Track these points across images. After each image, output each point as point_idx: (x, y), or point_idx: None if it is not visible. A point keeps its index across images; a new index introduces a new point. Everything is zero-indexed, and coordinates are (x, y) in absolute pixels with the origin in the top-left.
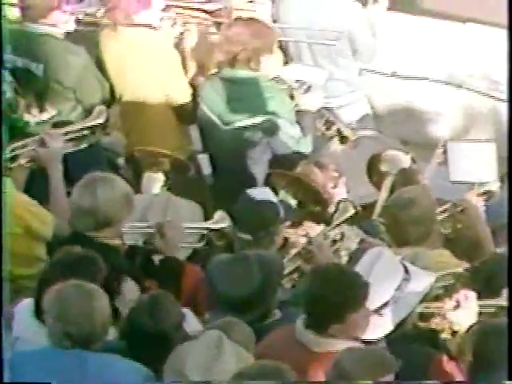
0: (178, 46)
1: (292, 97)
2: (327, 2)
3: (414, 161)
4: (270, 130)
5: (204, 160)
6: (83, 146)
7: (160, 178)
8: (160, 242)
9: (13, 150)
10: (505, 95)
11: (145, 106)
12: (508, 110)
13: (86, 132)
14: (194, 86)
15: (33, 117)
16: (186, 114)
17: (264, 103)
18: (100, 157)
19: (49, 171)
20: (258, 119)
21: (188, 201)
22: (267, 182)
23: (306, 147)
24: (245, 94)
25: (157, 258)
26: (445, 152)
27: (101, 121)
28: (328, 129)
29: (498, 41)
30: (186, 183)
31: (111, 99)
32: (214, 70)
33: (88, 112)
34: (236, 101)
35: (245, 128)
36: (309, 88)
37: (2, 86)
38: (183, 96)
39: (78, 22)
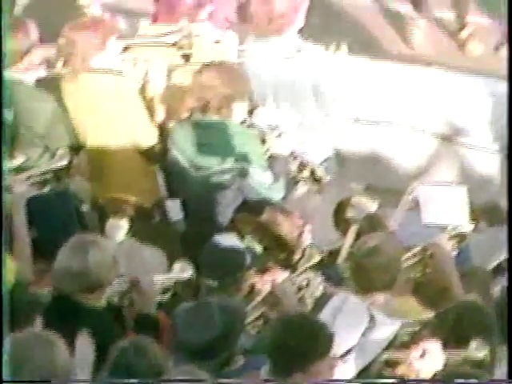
0: (144, 88)
1: (264, 141)
2: (291, 48)
3: (380, 206)
4: (241, 175)
5: (171, 205)
6: (46, 189)
7: (124, 224)
8: (136, 297)
9: None
10: (469, 140)
11: (109, 152)
12: (508, 114)
13: (49, 176)
14: (163, 130)
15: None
16: (153, 157)
17: (235, 149)
18: (66, 203)
19: (12, 216)
20: (229, 165)
21: (152, 248)
22: (232, 227)
23: (277, 193)
24: (216, 140)
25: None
26: (412, 198)
27: (64, 163)
28: (300, 171)
29: (461, 86)
30: (151, 230)
31: (78, 145)
32: (185, 114)
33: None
34: (207, 146)
35: (215, 173)
36: (281, 132)
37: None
38: (149, 138)
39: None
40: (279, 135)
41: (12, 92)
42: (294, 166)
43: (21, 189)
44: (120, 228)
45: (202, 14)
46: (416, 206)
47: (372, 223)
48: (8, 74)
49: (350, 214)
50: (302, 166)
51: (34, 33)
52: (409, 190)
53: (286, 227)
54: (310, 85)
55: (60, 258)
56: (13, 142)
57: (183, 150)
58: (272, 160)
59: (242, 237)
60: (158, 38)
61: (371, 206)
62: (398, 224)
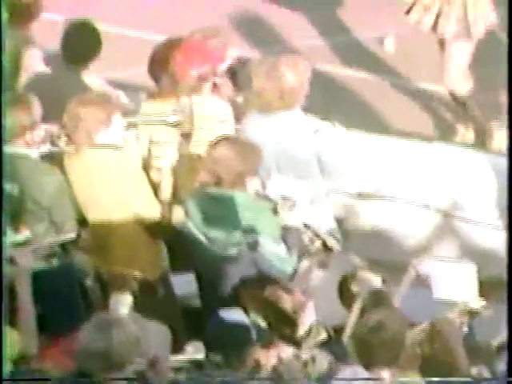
0: (148, 163)
1: (276, 213)
2: (294, 121)
3: (384, 282)
4: (255, 247)
5: (176, 280)
6: (53, 263)
7: (128, 299)
8: (153, 376)
9: None
10: (473, 216)
11: (112, 226)
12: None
13: (56, 249)
14: (172, 203)
15: (8, 239)
16: (156, 231)
17: (248, 221)
18: (71, 276)
19: (17, 289)
20: (243, 237)
21: (157, 323)
22: (238, 302)
23: (291, 266)
24: (228, 212)
25: None
26: (416, 273)
27: (71, 237)
28: (312, 242)
29: (464, 161)
30: (155, 304)
31: (82, 219)
32: (197, 186)
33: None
34: (219, 218)
35: (228, 245)
36: (294, 204)
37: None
38: (152, 213)
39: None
40: (292, 207)
41: (17, 166)
42: (306, 238)
43: (26, 262)
44: (124, 303)
45: (206, 87)
46: (422, 281)
47: (377, 298)
48: (12, 148)
49: (354, 288)
50: (314, 237)
51: (37, 109)
52: (412, 266)
53: (289, 303)
54: (312, 158)
55: (83, 336)
56: (18, 216)
57: (195, 221)
58: (285, 232)
59: (246, 312)
60: (160, 116)
61: (376, 281)
62: (402, 299)
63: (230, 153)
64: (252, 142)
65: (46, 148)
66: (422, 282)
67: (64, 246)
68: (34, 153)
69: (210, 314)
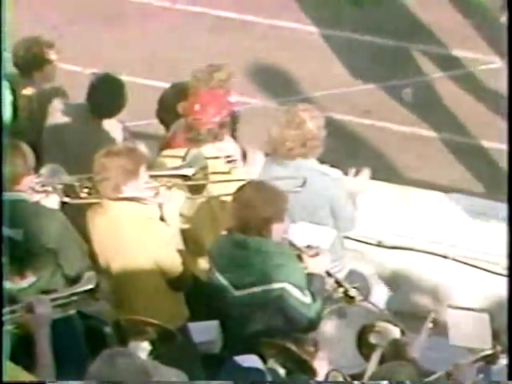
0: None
1: (301, 259)
2: (308, 170)
3: (403, 332)
4: (282, 297)
5: (194, 328)
6: (71, 312)
7: (146, 346)
8: None
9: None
10: (488, 265)
11: (135, 276)
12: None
13: (74, 298)
14: (196, 253)
15: (15, 284)
16: (178, 284)
17: (276, 270)
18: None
19: (35, 337)
20: (270, 286)
21: (175, 370)
22: (256, 350)
23: (316, 313)
24: (256, 260)
25: None
26: (434, 322)
27: (90, 287)
28: (335, 290)
29: (480, 209)
30: (174, 351)
31: (97, 269)
32: (223, 233)
33: (67, 277)
34: (245, 265)
35: (253, 293)
36: (318, 251)
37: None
38: (174, 267)
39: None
40: (316, 254)
41: (18, 212)
42: (328, 285)
43: (45, 310)
44: (142, 350)
45: (224, 133)
46: (439, 330)
47: (395, 349)
48: (12, 194)
49: (373, 339)
50: (336, 285)
51: (30, 156)
52: (431, 315)
53: (307, 352)
54: (326, 207)
55: (91, 368)
56: (23, 262)
57: (222, 269)
58: (309, 279)
59: (265, 359)
60: (175, 170)
61: (395, 332)
62: (419, 350)
63: (257, 198)
64: (277, 187)
65: (59, 198)
66: (439, 331)
67: (83, 296)
68: (34, 197)
69: (226, 361)
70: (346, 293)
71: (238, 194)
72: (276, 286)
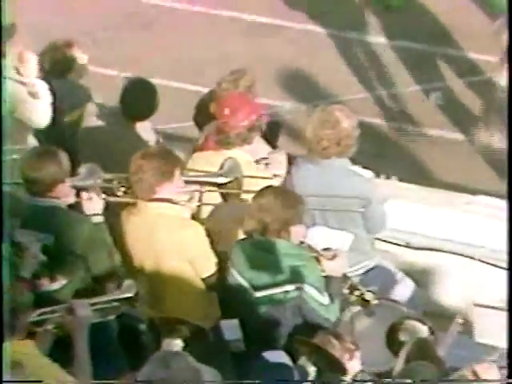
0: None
1: (319, 262)
2: (341, 170)
3: (431, 331)
4: (301, 297)
5: (226, 326)
6: (110, 317)
7: (179, 344)
8: None
9: (40, 315)
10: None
11: (168, 276)
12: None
13: (114, 304)
14: (221, 254)
15: (44, 287)
16: (213, 284)
17: (295, 271)
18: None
19: (74, 339)
20: (289, 286)
21: (208, 367)
22: (288, 347)
23: (334, 314)
24: (274, 260)
25: None
26: (462, 322)
27: (130, 294)
28: (351, 293)
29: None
30: (206, 349)
31: (132, 270)
32: (243, 236)
33: (97, 279)
34: (265, 267)
35: (273, 294)
36: (335, 254)
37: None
38: (208, 267)
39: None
40: (334, 257)
41: (50, 217)
42: (345, 288)
43: (84, 313)
44: (175, 347)
45: (252, 137)
46: (465, 328)
47: (421, 348)
48: (42, 200)
49: (402, 337)
50: (352, 288)
51: (66, 162)
52: (459, 315)
53: (338, 350)
54: (357, 208)
55: (144, 370)
56: (54, 266)
57: (242, 270)
58: (328, 281)
59: (296, 357)
60: (210, 177)
61: (423, 329)
62: (447, 348)
63: (276, 201)
64: (296, 192)
65: (73, 200)
66: (465, 329)
67: (121, 302)
68: (65, 203)
69: (255, 357)
70: (361, 296)
71: (257, 198)
72: (296, 286)
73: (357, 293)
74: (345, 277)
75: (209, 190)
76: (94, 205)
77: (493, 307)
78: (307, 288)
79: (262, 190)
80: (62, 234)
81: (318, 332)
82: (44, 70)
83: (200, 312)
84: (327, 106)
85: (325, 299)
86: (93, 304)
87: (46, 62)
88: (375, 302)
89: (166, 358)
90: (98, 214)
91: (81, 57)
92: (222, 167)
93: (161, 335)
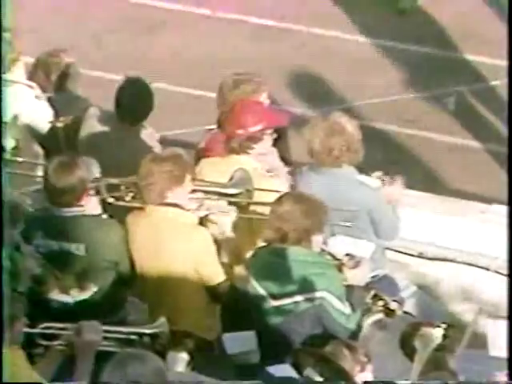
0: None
1: (340, 270)
2: (347, 179)
3: (445, 337)
4: (321, 306)
5: (227, 340)
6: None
7: (184, 357)
8: None
9: (47, 328)
10: None
11: (173, 283)
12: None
13: (133, 337)
14: (235, 263)
15: (71, 297)
16: (219, 294)
17: (315, 280)
18: None
19: (78, 360)
20: (309, 295)
21: (214, 380)
22: (294, 359)
23: (354, 323)
24: (295, 270)
25: None
26: (474, 333)
27: (159, 331)
28: (374, 303)
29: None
30: (211, 362)
31: (136, 274)
32: (262, 244)
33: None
34: (286, 276)
35: (293, 303)
36: (358, 262)
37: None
38: (214, 276)
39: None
40: (356, 265)
41: (78, 226)
42: (367, 298)
43: (93, 337)
44: (180, 360)
45: (254, 147)
46: (478, 342)
47: (434, 359)
48: (66, 210)
49: (417, 344)
50: (376, 298)
51: (87, 171)
52: (471, 326)
53: (349, 362)
54: (366, 217)
55: (103, 375)
56: (85, 275)
57: (260, 279)
58: (349, 290)
59: (301, 367)
60: (221, 188)
61: (438, 337)
62: (459, 359)
63: (296, 209)
64: (316, 197)
65: (99, 210)
66: (479, 342)
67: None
68: (94, 211)
69: (261, 372)
70: (385, 306)
71: (275, 206)
72: (316, 295)
73: (381, 302)
74: (367, 286)
75: (218, 200)
76: (93, 204)
77: (506, 318)
78: (328, 297)
79: (281, 197)
80: (94, 241)
81: (328, 342)
82: (43, 82)
83: (204, 323)
84: (327, 116)
85: (346, 308)
86: (106, 331)
87: (41, 76)
88: (400, 312)
89: (123, 361)
90: (99, 214)
91: (70, 62)
92: (232, 178)
93: (165, 348)
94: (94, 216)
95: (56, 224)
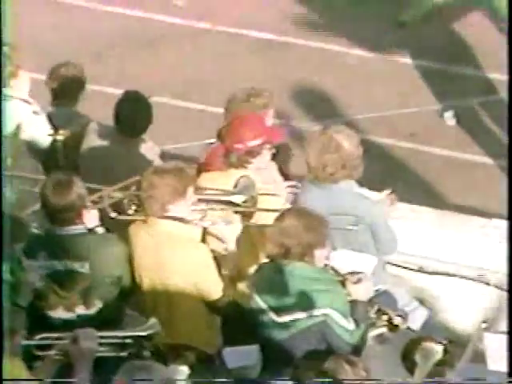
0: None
1: (344, 285)
2: (346, 193)
3: (446, 351)
4: (325, 323)
5: (227, 354)
6: (124, 354)
7: (185, 370)
8: None
9: (43, 339)
10: None
11: (173, 296)
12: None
13: (128, 341)
14: (237, 277)
15: (76, 315)
16: (218, 309)
17: (318, 296)
18: None
19: (76, 369)
20: (313, 312)
21: None
22: (294, 373)
23: (358, 339)
24: (299, 286)
25: None
26: (475, 348)
27: (152, 332)
28: (378, 318)
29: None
30: (211, 375)
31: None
32: (264, 259)
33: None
34: (290, 292)
35: (296, 319)
36: (360, 277)
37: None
38: (214, 291)
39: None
40: (359, 280)
41: (81, 244)
42: (371, 313)
43: (90, 345)
44: (181, 373)
45: (252, 161)
46: (477, 356)
47: (435, 374)
48: (67, 229)
49: (418, 358)
50: (379, 313)
51: (82, 187)
52: (472, 341)
53: (349, 376)
54: (367, 232)
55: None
56: (90, 292)
57: (263, 295)
58: (353, 305)
59: (301, 382)
60: (225, 196)
61: (439, 352)
62: (459, 375)
63: (298, 224)
64: (318, 212)
65: (97, 222)
66: (477, 357)
67: (138, 340)
68: (96, 228)
69: None
70: (389, 320)
71: (278, 221)
72: (319, 311)
73: (385, 317)
74: (371, 301)
75: (222, 209)
76: (93, 218)
77: (505, 333)
78: (331, 313)
79: (283, 212)
80: (98, 258)
81: (329, 357)
82: (52, 91)
83: (204, 336)
84: (326, 130)
85: (350, 324)
86: (102, 337)
87: (55, 82)
88: (404, 326)
89: (130, 372)
90: (97, 226)
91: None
92: (236, 185)
93: (166, 362)
94: (96, 233)
95: (59, 243)
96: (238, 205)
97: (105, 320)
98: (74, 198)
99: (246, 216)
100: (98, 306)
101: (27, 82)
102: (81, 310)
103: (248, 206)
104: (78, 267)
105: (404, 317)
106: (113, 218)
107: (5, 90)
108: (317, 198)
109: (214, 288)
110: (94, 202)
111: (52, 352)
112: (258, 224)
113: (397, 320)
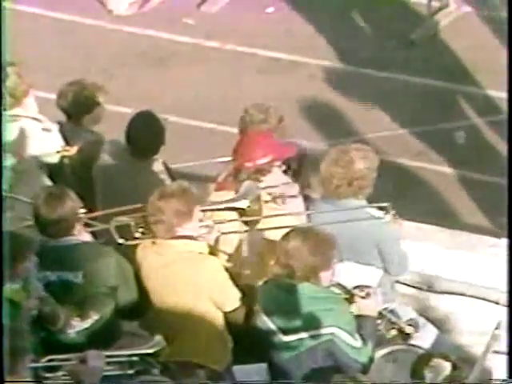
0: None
1: (351, 301)
2: (356, 211)
3: (455, 368)
4: (332, 342)
5: (237, 372)
6: (130, 372)
7: None
8: None
9: (51, 361)
10: None
11: (186, 317)
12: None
13: (134, 358)
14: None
15: (73, 328)
16: (235, 320)
17: (324, 316)
18: None
19: None
20: (318, 331)
21: None
22: None
23: (366, 356)
24: (304, 306)
25: None
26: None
27: (157, 349)
28: (388, 330)
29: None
30: None
31: (146, 305)
32: (270, 277)
33: (125, 313)
34: (295, 312)
35: (303, 338)
36: (368, 292)
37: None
38: (230, 303)
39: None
40: (367, 294)
41: (73, 254)
42: (381, 326)
43: (97, 364)
44: None
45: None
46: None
47: None
48: (62, 240)
49: (427, 372)
50: (389, 325)
51: (75, 200)
52: (481, 360)
53: None
54: (374, 249)
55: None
56: (84, 303)
57: (269, 313)
58: (360, 321)
59: None
60: (229, 202)
61: (448, 369)
62: None
63: (303, 246)
64: (325, 232)
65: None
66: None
67: (144, 358)
68: (89, 239)
69: None
70: (400, 330)
71: (283, 241)
72: (325, 331)
73: (394, 331)
74: (380, 315)
75: (230, 220)
76: (86, 236)
77: None
78: (337, 332)
79: (288, 233)
80: (91, 269)
81: (335, 375)
82: (64, 108)
83: (215, 354)
84: (346, 145)
85: (357, 342)
86: (109, 356)
87: (68, 99)
88: (417, 333)
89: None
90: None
91: (102, 101)
92: (238, 191)
93: (176, 379)
94: (88, 243)
95: (52, 254)
96: (243, 210)
97: (104, 334)
98: (67, 210)
99: (252, 222)
100: (93, 317)
101: (33, 100)
102: (76, 322)
103: (254, 211)
104: (72, 277)
105: (415, 326)
106: (120, 244)
107: (15, 110)
108: (327, 214)
109: (229, 299)
110: (91, 226)
111: (60, 373)
112: (266, 238)
113: (408, 329)
